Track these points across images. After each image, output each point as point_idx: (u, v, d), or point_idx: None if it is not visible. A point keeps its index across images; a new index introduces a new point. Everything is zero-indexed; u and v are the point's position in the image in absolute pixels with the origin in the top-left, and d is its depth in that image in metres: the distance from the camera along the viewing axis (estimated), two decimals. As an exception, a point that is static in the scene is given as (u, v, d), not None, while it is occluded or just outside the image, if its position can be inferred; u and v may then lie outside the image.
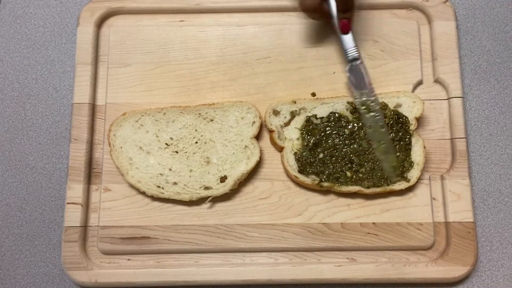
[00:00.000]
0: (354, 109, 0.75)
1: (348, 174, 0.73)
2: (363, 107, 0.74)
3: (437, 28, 0.81)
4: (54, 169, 0.80)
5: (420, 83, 0.80)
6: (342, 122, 0.75)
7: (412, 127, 0.75)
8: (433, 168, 0.77)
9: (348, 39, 0.74)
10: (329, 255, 0.74)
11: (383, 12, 0.83)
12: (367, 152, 0.74)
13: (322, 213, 0.75)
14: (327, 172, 0.74)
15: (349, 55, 0.74)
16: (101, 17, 0.82)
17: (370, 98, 0.74)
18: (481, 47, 0.84)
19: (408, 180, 0.74)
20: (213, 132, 0.76)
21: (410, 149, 0.74)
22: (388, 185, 0.73)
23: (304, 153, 0.74)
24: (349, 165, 0.74)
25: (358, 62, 0.75)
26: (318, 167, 0.74)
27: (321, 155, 0.74)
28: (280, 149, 0.76)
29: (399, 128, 0.74)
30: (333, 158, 0.74)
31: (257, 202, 0.76)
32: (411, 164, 0.74)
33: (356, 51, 0.74)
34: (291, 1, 0.82)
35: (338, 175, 0.73)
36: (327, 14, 0.73)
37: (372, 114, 0.73)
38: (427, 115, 0.79)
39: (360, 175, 0.73)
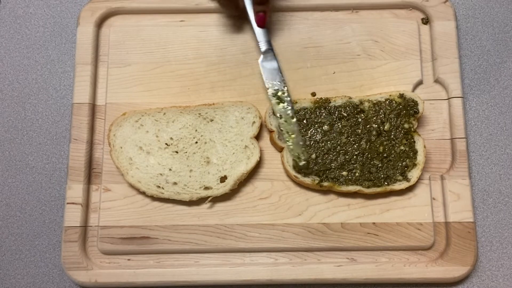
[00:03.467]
0: (353, 109, 0.75)
1: (344, 173, 0.73)
2: (275, 98, 0.75)
3: (437, 28, 0.81)
4: (54, 169, 0.80)
5: (420, 83, 0.80)
6: (342, 121, 0.75)
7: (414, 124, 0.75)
8: (433, 168, 0.77)
9: (262, 32, 0.76)
10: (329, 255, 0.74)
11: (383, 12, 0.83)
12: (366, 152, 0.74)
13: (322, 213, 0.75)
14: (327, 171, 0.74)
15: (262, 46, 0.76)
16: (101, 17, 0.82)
17: (282, 89, 0.75)
18: (481, 47, 0.84)
19: (408, 180, 0.74)
20: (213, 132, 0.76)
21: (414, 142, 0.74)
22: (388, 185, 0.73)
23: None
24: (348, 165, 0.74)
25: (271, 54, 0.76)
26: (318, 167, 0.74)
27: (313, 155, 0.74)
28: (280, 149, 0.76)
29: (410, 112, 0.74)
30: (332, 157, 0.74)
31: (257, 202, 0.76)
32: (415, 156, 0.74)
33: (269, 43, 0.76)
34: None
35: (337, 175, 0.73)
36: (243, 7, 0.75)
37: (283, 105, 0.75)
38: (427, 115, 0.79)
39: (360, 172, 0.73)
